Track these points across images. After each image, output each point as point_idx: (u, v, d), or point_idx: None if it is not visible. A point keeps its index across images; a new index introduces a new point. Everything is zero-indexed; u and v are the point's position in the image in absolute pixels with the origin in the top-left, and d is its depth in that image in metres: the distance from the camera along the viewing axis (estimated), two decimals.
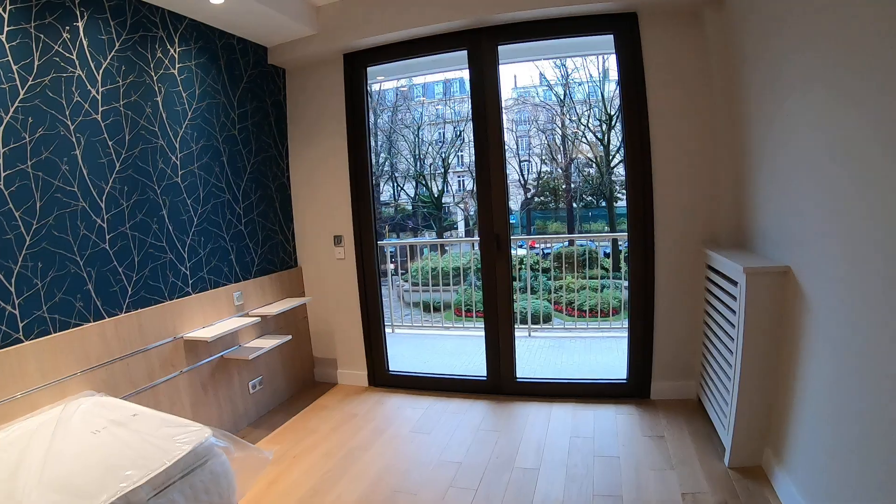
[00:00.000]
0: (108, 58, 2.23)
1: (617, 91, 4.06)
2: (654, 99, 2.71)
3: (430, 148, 10.13)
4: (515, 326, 3.24)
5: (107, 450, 1.59)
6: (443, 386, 3.33)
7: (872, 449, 1.39)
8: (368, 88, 3.35)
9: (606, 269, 7.54)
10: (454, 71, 7.54)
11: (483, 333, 3.24)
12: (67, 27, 2.07)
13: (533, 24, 2.83)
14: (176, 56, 2.58)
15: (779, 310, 1.98)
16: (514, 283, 4.92)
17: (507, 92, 9.50)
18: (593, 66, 8.59)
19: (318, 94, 3.34)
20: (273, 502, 2.18)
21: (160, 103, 2.49)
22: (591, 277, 6.48)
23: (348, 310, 3.45)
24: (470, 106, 3.06)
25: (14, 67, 1.88)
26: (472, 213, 9.86)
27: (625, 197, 2.89)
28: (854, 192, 1.48)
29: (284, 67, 3.39)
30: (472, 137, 3.08)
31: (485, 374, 3.25)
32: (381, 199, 10.24)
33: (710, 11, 2.56)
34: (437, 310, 6.38)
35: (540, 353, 4.40)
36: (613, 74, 8.22)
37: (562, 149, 9.36)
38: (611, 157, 8.75)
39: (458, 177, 10.20)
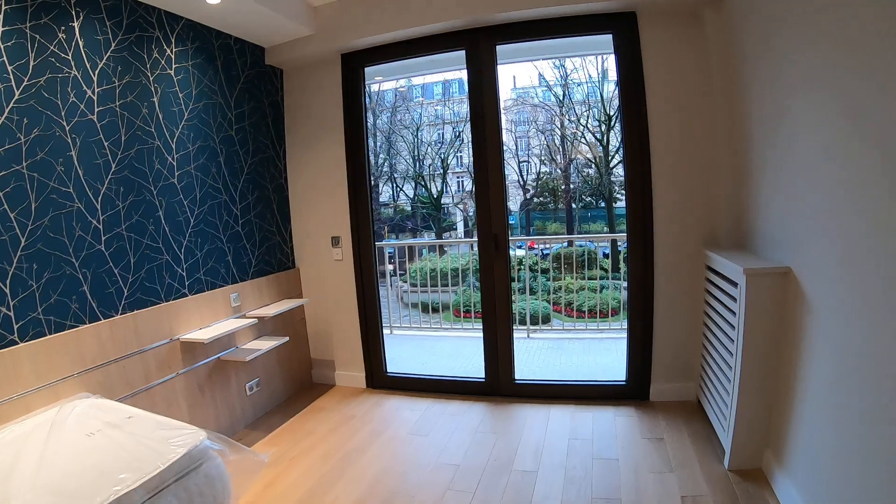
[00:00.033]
0: (104, 58, 2.22)
1: (616, 91, 4.05)
2: (653, 99, 2.70)
3: (429, 149, 10.13)
4: (514, 327, 3.23)
5: (101, 452, 1.58)
6: (441, 388, 3.32)
7: (874, 450, 1.37)
8: (367, 89, 3.34)
9: (606, 270, 7.54)
10: (453, 71, 7.54)
11: (481, 335, 3.22)
12: (63, 27, 2.06)
13: (531, 23, 2.82)
14: (172, 56, 2.57)
15: (779, 311, 1.97)
16: (513, 283, 4.91)
17: (506, 92, 9.51)
18: (592, 66, 8.60)
19: (316, 94, 3.32)
20: None
21: (156, 104, 2.48)
22: (590, 278, 6.48)
23: (346, 311, 3.44)
24: (468, 106, 3.05)
25: (9, 68, 1.87)
26: (471, 213, 9.85)
27: (624, 197, 2.88)
28: (855, 193, 1.47)
29: (282, 68, 3.38)
30: (471, 138, 3.07)
31: (483, 376, 3.23)
32: (381, 199, 10.24)
33: (709, 11, 2.55)
34: (435, 310, 6.37)
35: (539, 354, 4.39)
36: (613, 75, 8.21)
37: (561, 149, 9.36)
38: (610, 158, 8.75)
39: (458, 177, 10.20)
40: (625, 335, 3.03)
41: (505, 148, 3.02)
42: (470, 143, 3.10)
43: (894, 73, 1.26)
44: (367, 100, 3.33)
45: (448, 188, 10.18)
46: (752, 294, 1.98)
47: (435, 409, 3.07)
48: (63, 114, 2.05)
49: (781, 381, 1.98)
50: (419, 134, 10.04)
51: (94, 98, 2.17)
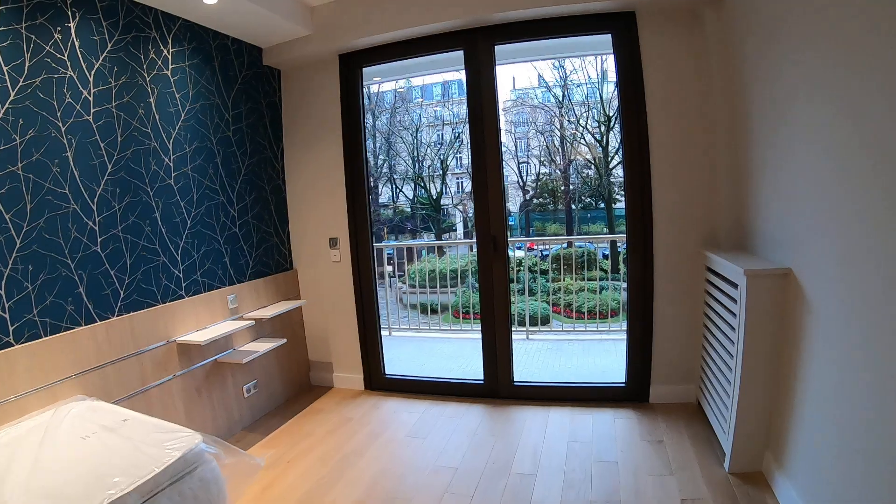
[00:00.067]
0: (101, 59, 2.21)
1: (615, 92, 4.04)
2: (652, 99, 2.69)
3: (428, 150, 10.12)
4: (513, 329, 3.21)
5: (96, 456, 1.57)
6: (439, 390, 3.30)
7: (875, 452, 1.36)
8: (367, 89, 3.33)
9: (605, 271, 7.54)
10: (452, 72, 7.53)
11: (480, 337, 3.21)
12: (59, 28, 2.05)
13: (530, 23, 2.81)
14: (169, 57, 2.56)
15: (780, 312, 1.96)
16: (513, 285, 4.89)
17: (505, 93, 9.51)
18: (592, 67, 8.60)
19: (314, 95, 3.31)
20: None
21: (153, 104, 2.47)
22: (589, 279, 6.47)
23: (344, 313, 3.43)
24: (467, 107, 3.04)
25: (4, 69, 1.86)
26: (470, 214, 9.84)
27: (623, 198, 2.87)
28: (855, 192, 1.46)
29: (280, 68, 3.37)
30: (469, 139, 3.06)
31: (482, 378, 3.22)
32: (380, 201, 10.23)
33: (709, 11, 2.54)
34: (434, 312, 6.36)
35: (538, 356, 4.37)
36: (612, 76, 8.21)
37: (560, 150, 9.35)
38: (609, 159, 8.74)
39: (457, 178, 10.19)
40: (624, 336, 3.01)
41: (504, 149, 3.01)
42: (469, 144, 3.09)
43: (894, 73, 1.25)
44: (367, 101, 3.32)
45: (447, 189, 10.18)
46: (753, 295, 1.97)
47: (433, 411, 3.05)
48: (59, 114, 2.04)
49: (782, 384, 1.97)
50: (419, 135, 10.04)
51: (90, 99, 2.16)
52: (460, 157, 9.98)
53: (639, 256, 2.84)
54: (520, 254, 7.19)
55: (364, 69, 3.25)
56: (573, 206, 9.48)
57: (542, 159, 9.61)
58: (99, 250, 2.19)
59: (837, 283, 1.58)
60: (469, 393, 3.23)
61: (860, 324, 1.46)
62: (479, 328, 3.22)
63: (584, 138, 9.05)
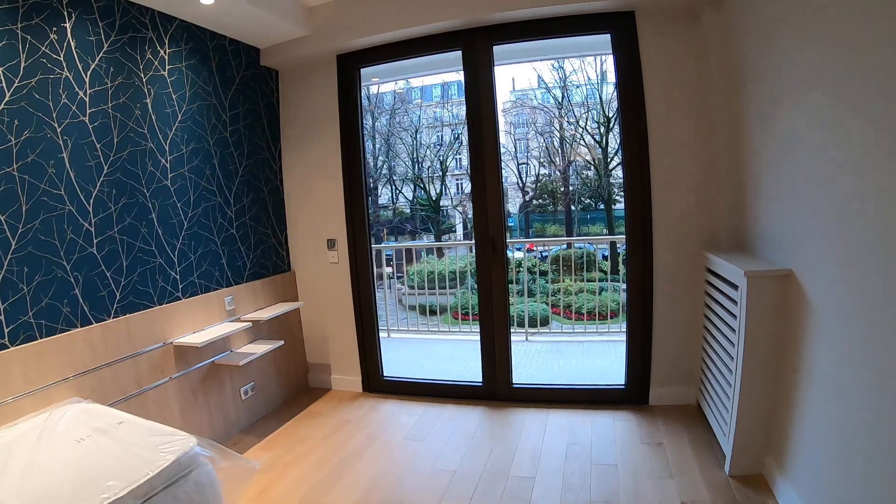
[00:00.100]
0: (97, 59, 2.20)
1: (615, 93, 4.03)
2: (652, 99, 2.68)
3: (428, 151, 10.11)
4: (512, 330, 3.20)
5: (90, 459, 1.56)
6: (437, 392, 3.29)
7: (878, 456, 1.35)
8: (366, 90, 3.32)
9: (605, 272, 7.52)
10: (451, 73, 7.52)
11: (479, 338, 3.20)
12: (55, 28, 2.04)
13: (529, 23, 2.80)
14: (166, 57, 2.55)
15: (781, 314, 1.94)
16: (512, 286, 4.87)
17: (505, 94, 9.50)
18: (591, 68, 8.59)
19: (312, 95, 3.30)
20: None
21: (150, 105, 2.45)
22: (589, 280, 6.45)
23: (342, 314, 3.41)
24: (465, 108, 3.02)
25: (0, 69, 1.85)
26: (470, 216, 9.82)
27: (623, 199, 2.86)
28: (857, 193, 1.45)
29: (277, 69, 3.36)
30: (467, 140, 3.05)
31: (480, 380, 3.20)
32: (380, 202, 10.22)
33: (708, 10, 2.53)
34: (434, 313, 6.34)
35: (537, 357, 4.36)
36: (611, 77, 8.20)
37: (560, 151, 9.34)
38: (609, 160, 8.73)
39: (457, 180, 10.18)
40: (624, 338, 3.00)
41: (504, 150, 3.00)
42: (467, 146, 3.08)
43: (894, 73, 1.24)
44: (367, 102, 3.32)
45: (447, 190, 10.16)
46: (754, 297, 1.95)
47: (431, 413, 3.04)
48: (54, 115, 2.03)
49: (783, 386, 1.95)
50: (418, 136, 10.03)
51: (86, 99, 2.15)
52: (460, 159, 9.97)
53: (638, 257, 2.82)
54: (519, 255, 7.18)
55: (362, 70, 3.24)
56: (573, 208, 9.47)
57: (542, 160, 9.60)
58: (95, 252, 2.18)
59: (837, 284, 1.56)
60: (467, 395, 3.21)
61: (860, 324, 1.45)
62: (478, 330, 3.20)
63: (583, 139, 9.05)
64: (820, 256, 1.68)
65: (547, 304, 6.32)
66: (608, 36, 2.75)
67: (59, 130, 2.04)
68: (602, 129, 8.71)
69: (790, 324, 1.90)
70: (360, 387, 3.44)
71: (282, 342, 3.05)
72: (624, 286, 3.75)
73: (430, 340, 5.11)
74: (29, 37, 1.94)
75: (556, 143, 9.34)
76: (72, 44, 2.10)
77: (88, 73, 2.16)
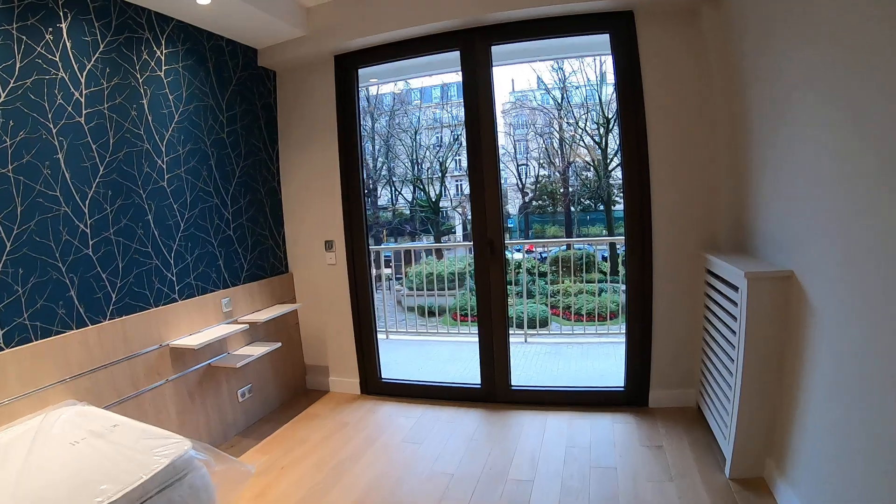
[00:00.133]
0: (93, 59, 2.19)
1: (614, 94, 4.03)
2: (651, 99, 2.67)
3: (427, 152, 10.10)
4: (511, 332, 3.18)
5: (84, 462, 1.55)
6: (436, 394, 3.27)
7: (879, 459, 1.33)
8: (366, 92, 3.31)
9: (604, 273, 7.51)
10: (451, 73, 7.51)
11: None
12: (51, 28, 2.03)
13: (527, 23, 2.79)
14: (163, 58, 2.54)
15: (781, 315, 1.93)
16: (511, 287, 4.86)
17: (504, 96, 9.49)
18: (590, 69, 8.58)
19: (309, 96, 3.29)
20: None
21: (146, 106, 2.44)
22: (588, 281, 6.44)
23: (340, 316, 3.40)
24: (463, 109, 3.01)
25: None
26: (469, 217, 9.81)
27: (622, 200, 2.85)
28: (855, 192, 1.44)
29: (275, 69, 3.35)
30: (466, 141, 3.03)
31: (479, 382, 3.18)
32: (380, 203, 10.21)
33: (708, 9, 2.52)
34: (433, 314, 6.33)
35: (536, 359, 4.34)
36: (611, 78, 8.19)
37: (559, 152, 9.33)
38: (608, 161, 8.73)
39: (456, 181, 10.17)
40: (623, 339, 2.98)
41: (503, 151, 2.99)
42: (466, 146, 3.07)
43: (894, 73, 1.23)
44: (366, 103, 3.31)
45: (447, 192, 10.15)
46: (754, 298, 1.94)
47: (430, 415, 3.02)
48: (50, 116, 2.02)
49: (784, 388, 1.94)
50: (417, 137, 10.02)
51: (82, 100, 2.14)
52: (459, 160, 9.96)
53: (638, 258, 2.81)
54: (519, 256, 7.17)
55: (360, 70, 3.23)
56: (572, 209, 9.46)
57: (542, 161, 9.59)
58: (90, 253, 2.16)
59: (838, 284, 1.55)
60: (466, 397, 3.19)
61: (860, 324, 1.43)
62: (476, 332, 3.19)
63: (582, 140, 9.04)
64: (820, 257, 1.67)
65: (546, 305, 6.31)
66: (607, 36, 2.74)
67: (54, 131, 2.03)
68: (601, 130, 8.70)
69: (791, 325, 1.88)
70: (358, 389, 3.43)
71: (279, 344, 3.04)
72: (623, 287, 3.74)
73: (429, 342, 5.09)
74: (24, 37, 1.93)
75: (555, 145, 9.33)
76: (67, 44, 2.09)
77: (84, 74, 2.15)
